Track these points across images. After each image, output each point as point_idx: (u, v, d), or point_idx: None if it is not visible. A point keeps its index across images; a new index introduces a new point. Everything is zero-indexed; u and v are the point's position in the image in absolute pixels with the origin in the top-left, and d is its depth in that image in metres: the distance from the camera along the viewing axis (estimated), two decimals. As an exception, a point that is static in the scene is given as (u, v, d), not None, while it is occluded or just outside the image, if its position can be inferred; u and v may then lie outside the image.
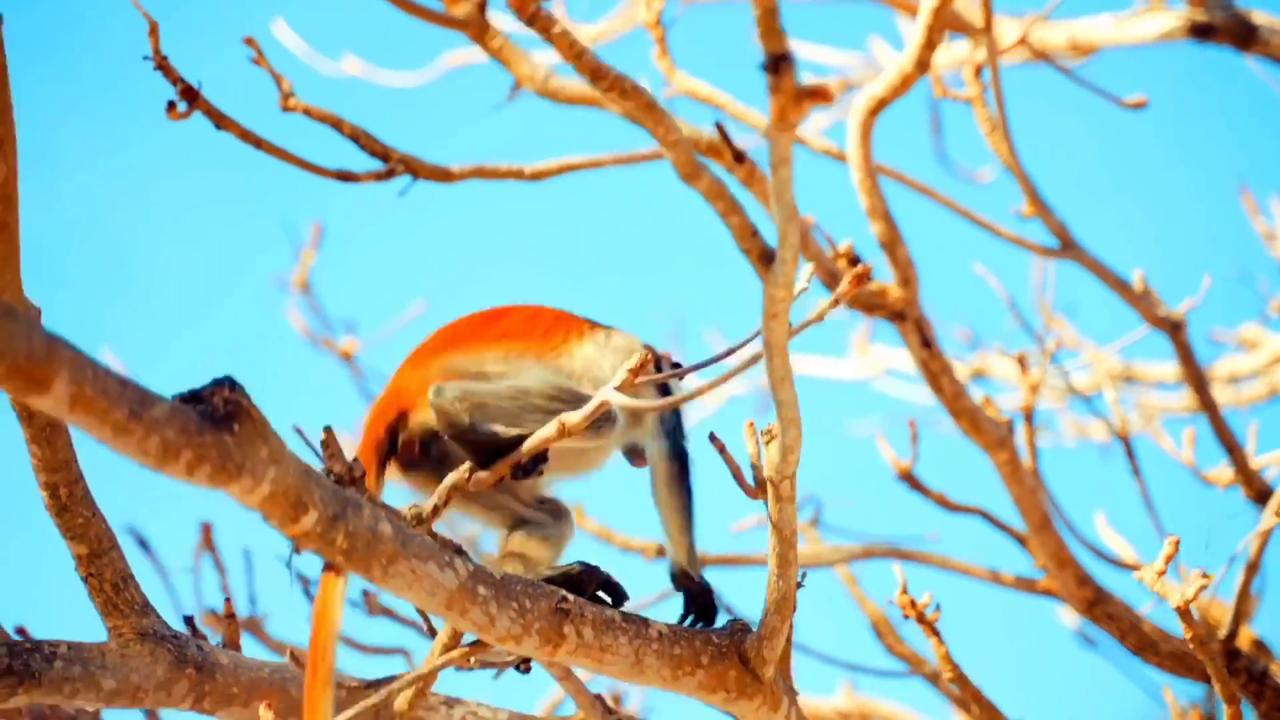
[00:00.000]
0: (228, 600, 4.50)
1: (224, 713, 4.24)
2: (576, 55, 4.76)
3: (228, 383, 3.00)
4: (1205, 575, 4.54)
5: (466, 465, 3.94)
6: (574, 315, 4.48)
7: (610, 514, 7.24)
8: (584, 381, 4.32)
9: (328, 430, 3.58)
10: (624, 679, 3.93)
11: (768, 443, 3.73)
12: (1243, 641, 7.13)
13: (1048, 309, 7.65)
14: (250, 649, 6.57)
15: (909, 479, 6.51)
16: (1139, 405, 9.50)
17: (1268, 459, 6.93)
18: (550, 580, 4.02)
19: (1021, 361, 6.76)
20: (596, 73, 4.76)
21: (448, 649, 3.87)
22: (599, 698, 4.63)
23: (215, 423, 2.95)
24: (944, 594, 5.33)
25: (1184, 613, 4.61)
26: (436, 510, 3.87)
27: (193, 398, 2.96)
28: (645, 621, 3.89)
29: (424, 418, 4.21)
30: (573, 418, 3.89)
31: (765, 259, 3.28)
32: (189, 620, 4.30)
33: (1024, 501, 6.36)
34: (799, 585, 4.34)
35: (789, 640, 4.44)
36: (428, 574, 3.45)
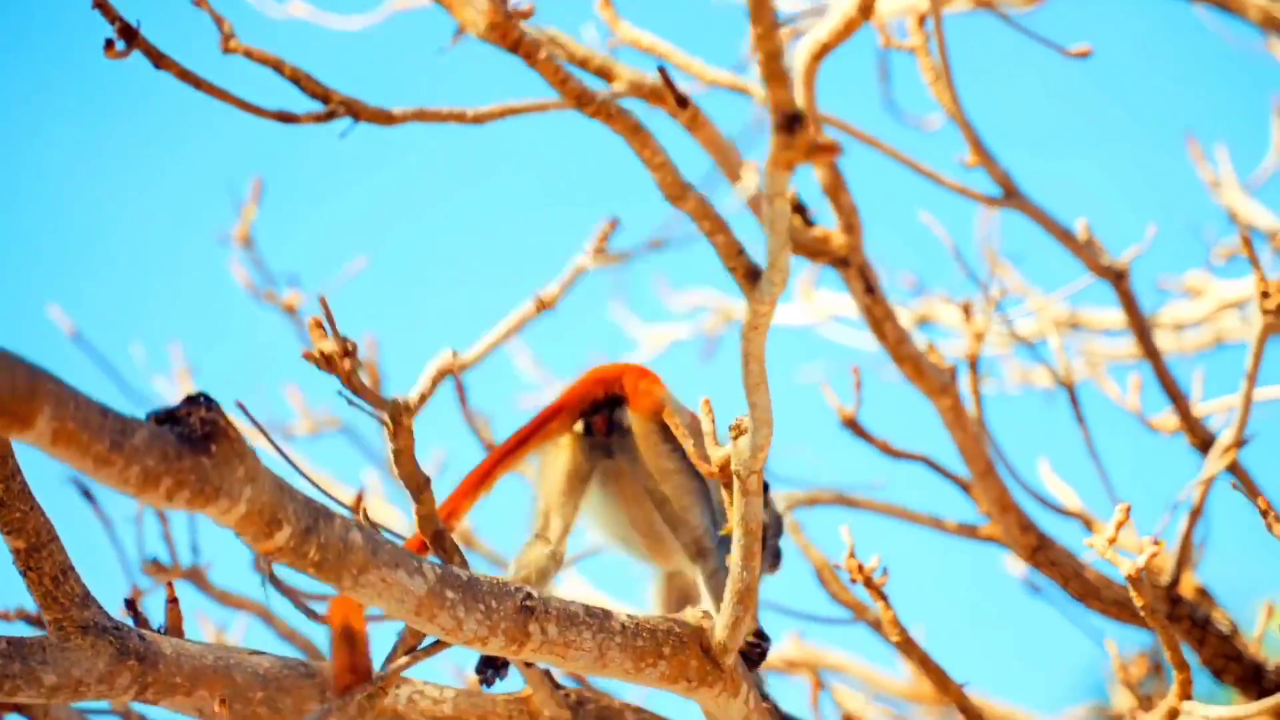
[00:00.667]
0: (170, 584, 4.45)
1: (167, 703, 4.21)
2: (562, 81, 4.73)
3: (203, 401, 2.98)
4: (1157, 543, 4.58)
5: (449, 350, 3.95)
6: None
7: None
8: None
9: (322, 300, 3.56)
10: (588, 673, 3.96)
11: (736, 438, 3.76)
12: (1186, 589, 7.19)
13: (993, 257, 7.64)
14: (192, 599, 6.57)
15: (852, 426, 6.51)
16: (1084, 353, 9.53)
17: (1211, 406, 6.95)
18: None
19: (966, 309, 6.76)
20: (582, 98, 4.73)
21: (409, 647, 3.85)
22: (546, 673, 4.63)
23: (193, 445, 2.94)
24: (888, 541, 5.37)
25: (1135, 581, 4.64)
26: (423, 398, 3.85)
27: (169, 417, 2.94)
28: (608, 614, 3.89)
29: (635, 416, 4.60)
30: (549, 289, 3.90)
31: (750, 276, 3.24)
32: (129, 603, 4.27)
33: (967, 448, 6.37)
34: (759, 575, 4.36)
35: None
36: (397, 581, 3.44)
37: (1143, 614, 4.69)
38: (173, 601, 4.38)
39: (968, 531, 6.88)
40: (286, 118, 5.35)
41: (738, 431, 3.73)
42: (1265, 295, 5.88)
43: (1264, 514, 4.38)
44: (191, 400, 2.97)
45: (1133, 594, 4.66)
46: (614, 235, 3.96)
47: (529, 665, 4.55)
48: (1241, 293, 9.01)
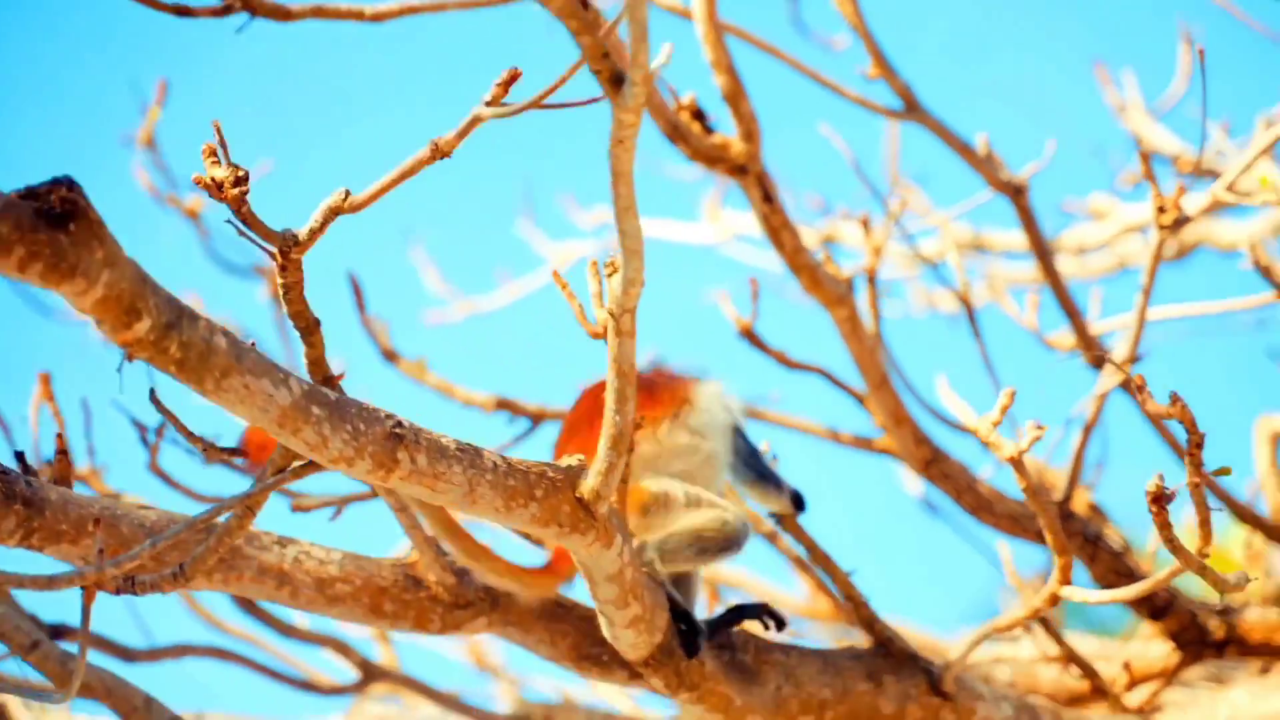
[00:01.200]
0: (59, 435, 4.45)
1: (53, 550, 4.21)
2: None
3: (66, 182, 2.97)
4: (1039, 427, 4.62)
5: (342, 189, 3.95)
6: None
7: (452, 370, 7.25)
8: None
9: (215, 124, 3.56)
10: (457, 508, 3.94)
11: (610, 275, 3.74)
12: (1079, 506, 7.25)
13: (896, 173, 7.69)
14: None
15: (749, 336, 6.53)
16: (988, 275, 9.61)
17: (1108, 324, 7.03)
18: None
19: (865, 224, 6.80)
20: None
21: (278, 469, 3.83)
22: (433, 539, 4.65)
23: (50, 221, 2.93)
24: (789, 455, 5.41)
25: (1017, 463, 4.69)
26: (313, 234, 3.84)
27: (29, 194, 2.93)
28: (480, 451, 3.87)
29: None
30: (446, 136, 3.90)
31: (615, 82, 3.26)
32: (19, 455, 4.26)
33: (863, 360, 6.41)
34: (637, 425, 4.38)
35: (625, 480, 4.49)
36: (260, 389, 3.42)
37: (1025, 495, 4.74)
38: (61, 454, 4.38)
39: (863, 444, 6.93)
40: (183, 11, 5.33)
41: (610, 269, 3.72)
42: (1161, 210, 5.95)
43: (1139, 389, 4.41)
44: (54, 180, 2.97)
45: (1016, 477, 4.71)
46: (515, 86, 3.94)
47: (416, 528, 4.57)
48: (1145, 217, 9.11)
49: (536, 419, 7.14)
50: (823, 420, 7.07)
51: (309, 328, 3.98)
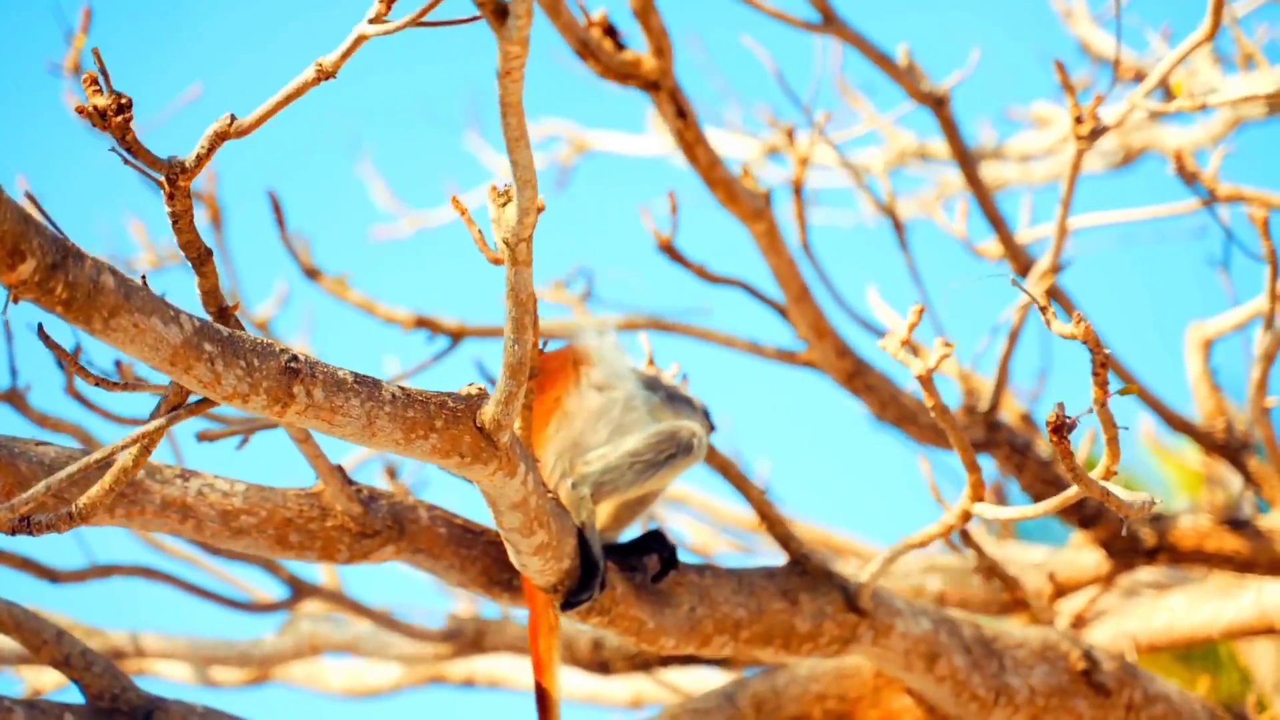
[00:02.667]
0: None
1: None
2: None
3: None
4: (947, 344, 4.62)
5: (228, 114, 3.91)
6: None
7: (374, 287, 7.23)
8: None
9: (95, 51, 3.51)
10: (356, 441, 3.91)
11: (504, 205, 3.70)
12: (1010, 415, 7.28)
13: (843, 84, 7.67)
14: (10, 422, 6.51)
15: (669, 250, 6.52)
16: (940, 183, 9.64)
17: (1035, 233, 7.03)
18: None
19: (789, 134, 6.78)
20: None
21: (172, 405, 3.80)
22: (339, 468, 4.63)
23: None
24: (720, 371, 5.41)
25: (925, 381, 4.69)
26: (200, 160, 3.81)
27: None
28: (378, 383, 3.85)
29: None
30: (330, 56, 3.86)
31: (499, 13, 3.21)
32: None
33: (782, 272, 6.40)
34: (542, 351, 4.36)
35: (530, 408, 4.47)
36: (150, 327, 3.38)
37: (933, 414, 4.74)
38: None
39: (786, 357, 6.93)
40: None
41: (504, 198, 3.69)
42: (1078, 121, 5.93)
43: (1042, 309, 4.41)
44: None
45: (924, 395, 4.71)
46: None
47: (320, 458, 4.55)
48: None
49: (456, 336, 7.13)
50: (748, 333, 7.07)
51: (200, 257, 3.94)
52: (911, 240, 7.04)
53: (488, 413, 3.99)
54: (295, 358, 3.68)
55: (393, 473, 7.04)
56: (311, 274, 7.21)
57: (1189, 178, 6.48)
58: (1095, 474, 4.52)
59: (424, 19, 3.83)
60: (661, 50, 5.87)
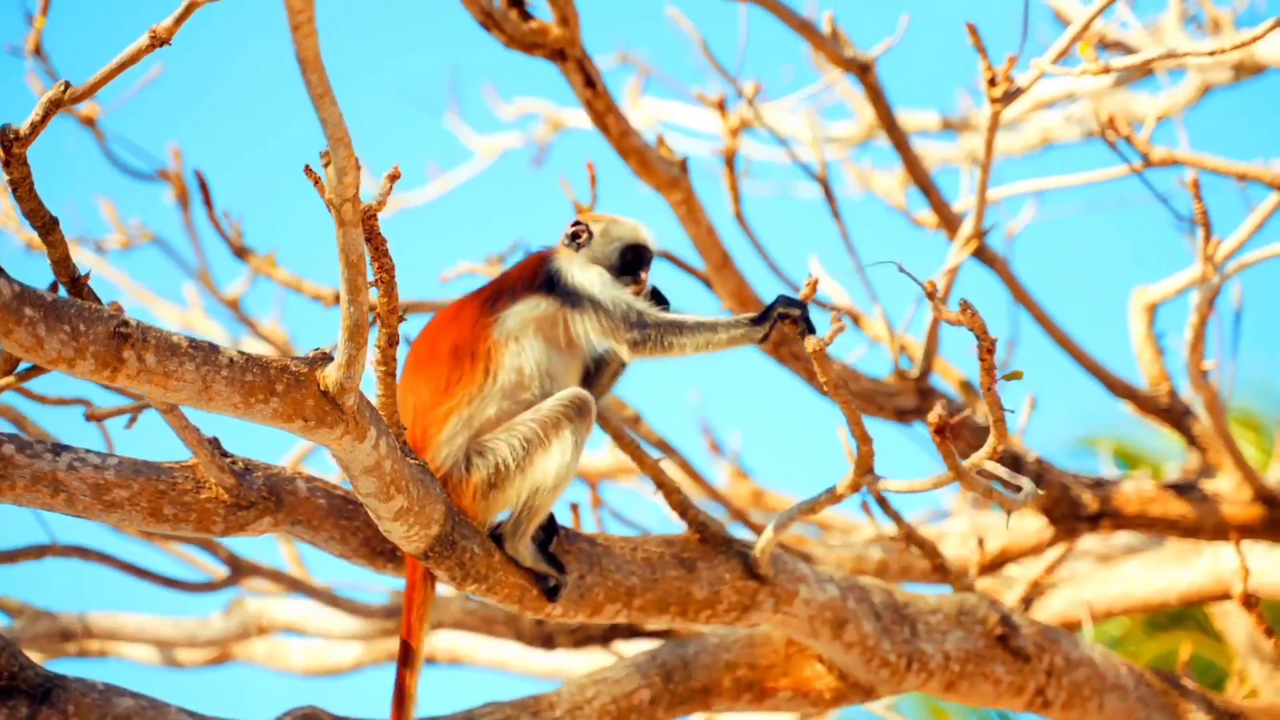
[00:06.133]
0: None
1: None
2: None
3: None
4: (837, 320, 4.61)
5: (62, 81, 3.91)
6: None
7: (300, 266, 7.24)
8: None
9: None
10: (193, 405, 3.91)
11: (326, 165, 3.70)
12: (950, 380, 7.25)
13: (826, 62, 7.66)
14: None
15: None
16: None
17: (967, 203, 6.99)
18: None
19: (720, 106, 6.77)
20: None
21: (4, 371, 3.83)
22: (214, 440, 4.62)
23: None
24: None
25: (819, 356, 4.67)
26: (34, 128, 3.81)
27: None
28: (215, 348, 3.86)
29: None
30: (163, 24, 3.87)
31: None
32: None
33: (701, 241, 6.39)
34: (401, 319, 4.35)
35: (391, 375, 4.44)
36: (-33, 293, 3.41)
37: (826, 390, 4.72)
38: None
39: (710, 327, 6.90)
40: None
41: (325, 159, 3.68)
42: (992, 83, 5.91)
43: (930, 296, 4.41)
44: None
45: (816, 369, 4.69)
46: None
47: (188, 429, 4.54)
48: (1057, 91, 9.12)
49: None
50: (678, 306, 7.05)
51: (46, 226, 3.96)
52: (868, 210, 7.04)
53: (330, 376, 4.00)
54: (125, 323, 3.70)
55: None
56: (240, 253, 7.23)
57: (1112, 144, 6.47)
58: (982, 454, 4.55)
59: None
60: (567, 19, 5.85)
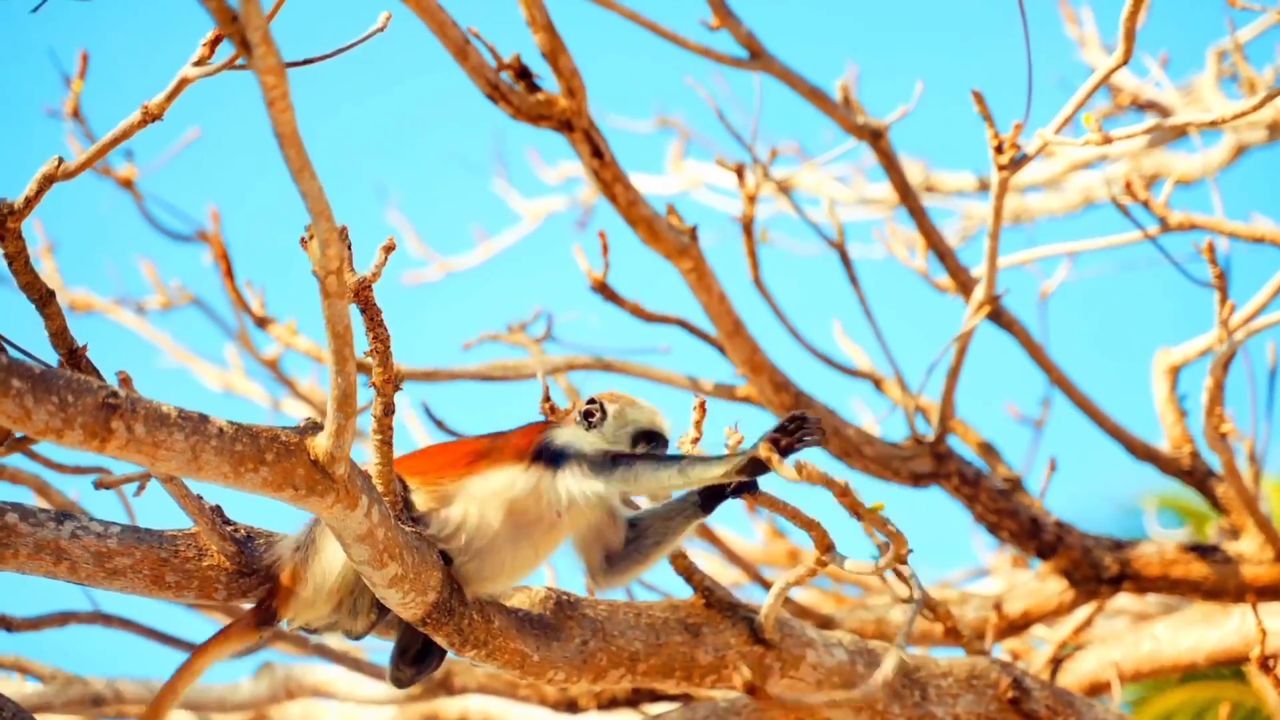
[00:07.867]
0: None
1: None
2: None
3: None
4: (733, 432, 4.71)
5: (56, 157, 3.98)
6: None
7: (407, 332, 7.31)
8: None
9: None
10: (184, 474, 3.97)
11: (310, 238, 3.74)
12: (970, 443, 7.26)
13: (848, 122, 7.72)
14: None
15: (603, 290, 6.56)
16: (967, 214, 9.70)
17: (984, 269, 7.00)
18: None
19: (739, 172, 6.81)
20: None
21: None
22: (216, 509, 4.68)
23: None
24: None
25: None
26: (29, 203, 3.87)
27: None
28: (205, 418, 3.91)
29: None
30: (156, 99, 3.93)
31: (246, 45, 3.28)
32: None
33: (713, 309, 6.42)
34: (397, 388, 4.40)
35: (388, 444, 4.48)
36: (-47, 366, 3.47)
37: (795, 475, 4.70)
38: None
39: (725, 393, 6.93)
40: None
41: (310, 235, 3.72)
42: (998, 150, 5.94)
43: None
44: None
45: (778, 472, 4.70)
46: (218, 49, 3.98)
47: (188, 498, 4.58)
48: (1094, 153, 9.14)
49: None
50: (691, 371, 7.10)
51: (43, 299, 4.03)
52: (891, 273, 7.08)
53: (321, 445, 4.04)
54: (115, 393, 3.75)
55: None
56: (261, 323, 7.31)
57: (1123, 209, 6.50)
58: (886, 561, 4.65)
59: (236, 63, 3.92)
60: (573, 91, 5.91)
